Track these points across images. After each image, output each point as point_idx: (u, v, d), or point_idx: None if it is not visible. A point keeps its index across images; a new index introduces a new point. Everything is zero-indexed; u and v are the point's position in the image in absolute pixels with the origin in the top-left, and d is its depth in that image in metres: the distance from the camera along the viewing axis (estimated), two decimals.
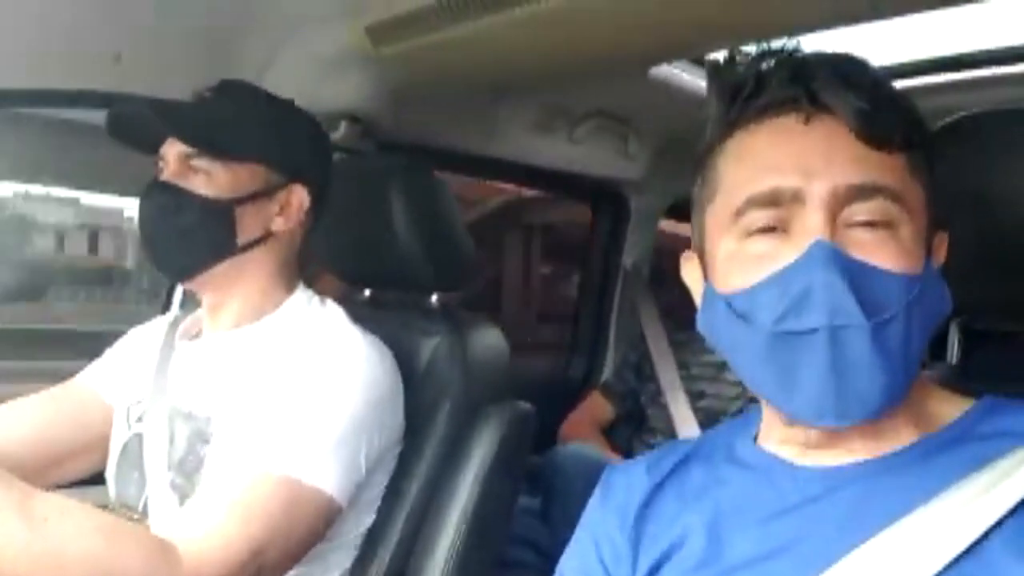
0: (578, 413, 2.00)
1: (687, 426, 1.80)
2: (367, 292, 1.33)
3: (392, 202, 1.18)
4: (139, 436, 1.04)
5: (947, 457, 0.61)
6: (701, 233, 0.67)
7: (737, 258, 0.62)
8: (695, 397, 1.85)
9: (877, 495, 0.60)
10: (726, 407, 1.80)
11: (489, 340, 1.17)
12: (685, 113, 1.82)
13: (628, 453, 1.85)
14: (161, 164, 1.05)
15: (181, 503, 0.97)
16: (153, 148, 1.05)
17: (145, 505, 1.00)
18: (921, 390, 0.65)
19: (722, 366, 1.84)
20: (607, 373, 2.20)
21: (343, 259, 1.32)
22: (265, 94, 1.11)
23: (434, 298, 1.25)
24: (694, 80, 1.73)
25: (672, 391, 1.88)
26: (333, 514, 0.94)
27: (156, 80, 1.27)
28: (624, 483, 0.73)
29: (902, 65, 1.67)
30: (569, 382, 2.23)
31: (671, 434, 1.81)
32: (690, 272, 0.69)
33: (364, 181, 1.26)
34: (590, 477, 1.53)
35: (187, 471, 0.99)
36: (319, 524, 0.93)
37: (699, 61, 1.72)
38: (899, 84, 1.64)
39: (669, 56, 1.60)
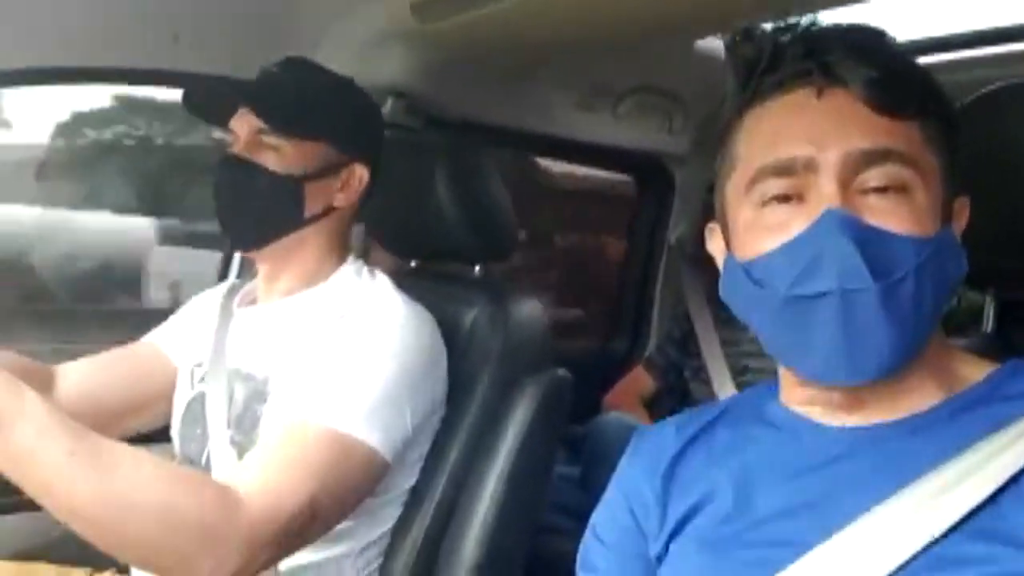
0: (621, 386, 2.02)
1: None
2: (413, 264, 1.38)
3: (436, 176, 1.22)
4: (201, 395, 1.10)
5: (970, 417, 0.62)
6: (723, 205, 0.70)
7: (754, 227, 0.64)
8: (738, 372, 1.85)
9: (900, 455, 0.62)
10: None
11: (529, 310, 1.20)
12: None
13: None
14: (230, 138, 1.09)
15: (239, 458, 1.02)
16: (222, 121, 1.11)
17: (207, 460, 1.06)
18: (945, 354, 0.67)
19: None
20: (650, 347, 2.22)
21: (391, 232, 1.36)
22: (327, 71, 1.15)
23: (477, 269, 1.28)
24: None
25: (715, 366, 1.88)
26: (380, 470, 0.98)
27: (211, 59, 1.33)
28: (654, 442, 0.76)
29: (946, 37, 1.64)
30: (612, 356, 2.25)
31: None
32: (714, 243, 0.72)
33: (410, 156, 1.29)
34: (628, 442, 1.57)
35: (245, 428, 1.04)
36: (367, 479, 0.97)
37: (779, 26, 1.70)
38: (940, 57, 1.62)
39: (716, 28, 1.59)
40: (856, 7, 1.23)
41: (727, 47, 0.69)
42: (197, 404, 1.10)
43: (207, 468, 1.04)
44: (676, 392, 2.01)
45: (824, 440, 0.66)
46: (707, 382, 1.87)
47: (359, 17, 1.34)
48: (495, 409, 1.11)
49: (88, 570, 1.17)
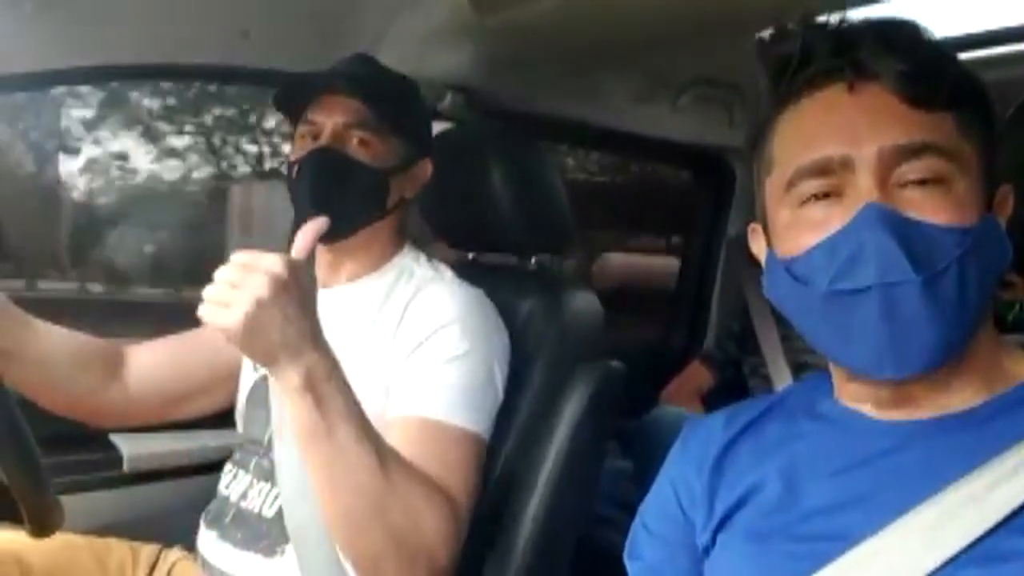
0: (679, 381, 2.01)
1: None
2: (471, 256, 1.40)
3: (493, 169, 1.23)
4: (265, 378, 1.14)
5: (1019, 414, 0.61)
6: (763, 205, 0.70)
7: (794, 225, 0.65)
8: (798, 369, 1.82)
9: (948, 450, 0.61)
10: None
11: (583, 302, 1.21)
12: None
13: None
14: (304, 129, 1.12)
15: None
16: (297, 113, 1.13)
17: (269, 440, 1.09)
18: (995, 349, 0.66)
19: None
20: (708, 342, 2.20)
21: (449, 225, 1.38)
22: (395, 72, 1.18)
23: (533, 261, 1.30)
24: None
25: (774, 362, 1.86)
26: (485, 453, 1.04)
27: (279, 55, 1.37)
28: (702, 434, 0.77)
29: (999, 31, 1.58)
30: (670, 351, 2.24)
31: None
32: (756, 242, 0.73)
33: (468, 149, 1.31)
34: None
35: None
36: (482, 465, 1.03)
37: (810, 23, 1.68)
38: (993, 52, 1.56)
39: (777, 19, 1.57)
40: (906, 1, 1.20)
41: (758, 48, 0.69)
42: (261, 386, 1.14)
43: (269, 449, 1.08)
44: (734, 388, 1.99)
45: (873, 435, 0.65)
46: (766, 378, 1.85)
47: (419, 12, 1.36)
48: (547, 400, 1.12)
49: (158, 546, 1.23)
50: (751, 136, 0.70)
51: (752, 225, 0.73)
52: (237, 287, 0.78)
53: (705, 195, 2.21)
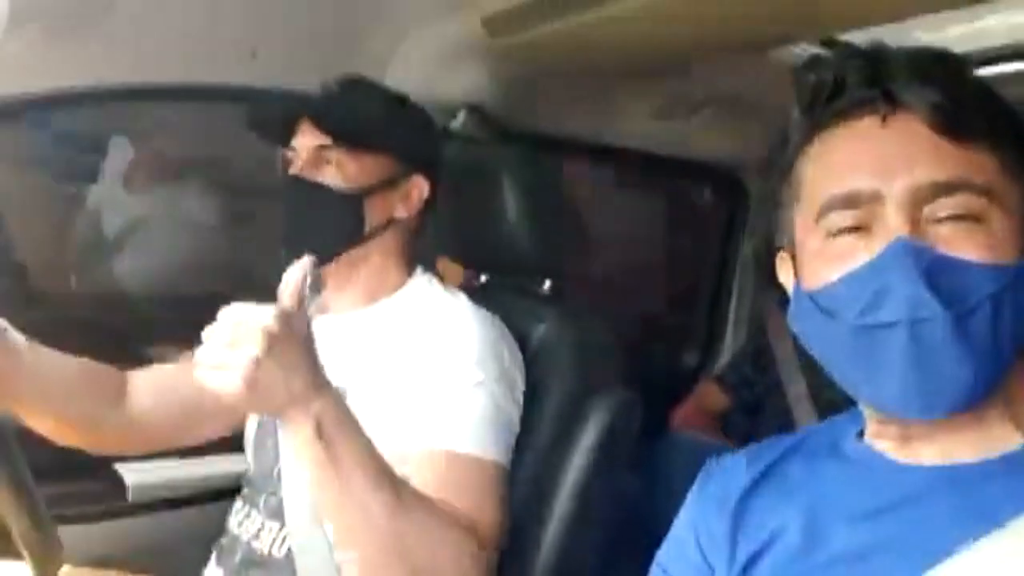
0: (692, 402, 1.98)
1: (807, 419, 1.75)
2: (483, 278, 1.37)
3: (507, 190, 1.21)
4: None
5: None
6: (791, 234, 0.68)
7: (821, 256, 0.63)
8: (816, 388, 1.79)
9: (980, 498, 0.58)
10: (849, 402, 1.73)
11: (596, 327, 1.19)
12: None
13: (745, 444, 1.81)
14: (290, 155, 1.11)
15: None
16: (285, 141, 1.12)
17: (278, 474, 1.07)
18: None
19: None
20: (722, 362, 2.16)
21: (462, 245, 1.36)
22: (383, 87, 1.17)
23: (547, 284, 1.27)
24: None
25: (792, 383, 1.83)
26: (507, 481, 1.01)
27: (288, 74, 1.35)
28: (724, 475, 0.74)
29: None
30: (683, 371, 2.21)
31: (789, 426, 1.77)
32: (784, 271, 0.71)
33: (481, 169, 1.29)
34: (698, 465, 1.54)
35: None
36: (506, 494, 1.00)
37: (824, 42, 1.66)
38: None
39: (791, 38, 1.55)
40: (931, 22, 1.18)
41: (793, 76, 0.67)
42: (269, 417, 1.12)
43: (277, 482, 1.05)
44: (749, 408, 1.96)
45: (899, 478, 0.63)
46: (783, 398, 1.82)
47: (432, 32, 1.35)
48: (562, 430, 1.09)
49: None
50: (781, 163, 0.68)
51: (781, 254, 0.71)
52: (231, 347, 0.76)
53: (720, 212, 2.18)
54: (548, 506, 1.06)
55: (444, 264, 1.41)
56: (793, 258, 0.68)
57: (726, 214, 2.17)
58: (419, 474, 0.94)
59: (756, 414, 1.92)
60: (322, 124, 1.08)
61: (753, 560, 0.67)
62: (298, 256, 1.13)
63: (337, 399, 0.84)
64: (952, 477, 0.60)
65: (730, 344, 2.19)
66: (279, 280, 0.84)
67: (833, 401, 1.83)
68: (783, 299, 2.07)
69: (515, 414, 1.03)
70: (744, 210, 2.13)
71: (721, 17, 1.29)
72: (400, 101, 1.17)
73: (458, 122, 1.49)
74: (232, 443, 1.25)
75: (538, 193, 1.25)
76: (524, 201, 1.21)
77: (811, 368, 1.82)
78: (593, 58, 1.42)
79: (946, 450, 0.62)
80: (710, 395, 1.98)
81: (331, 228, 1.09)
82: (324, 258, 1.10)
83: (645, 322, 2.40)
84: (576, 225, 1.28)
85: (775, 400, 1.85)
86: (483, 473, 0.97)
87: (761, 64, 1.60)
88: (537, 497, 1.07)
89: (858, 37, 1.72)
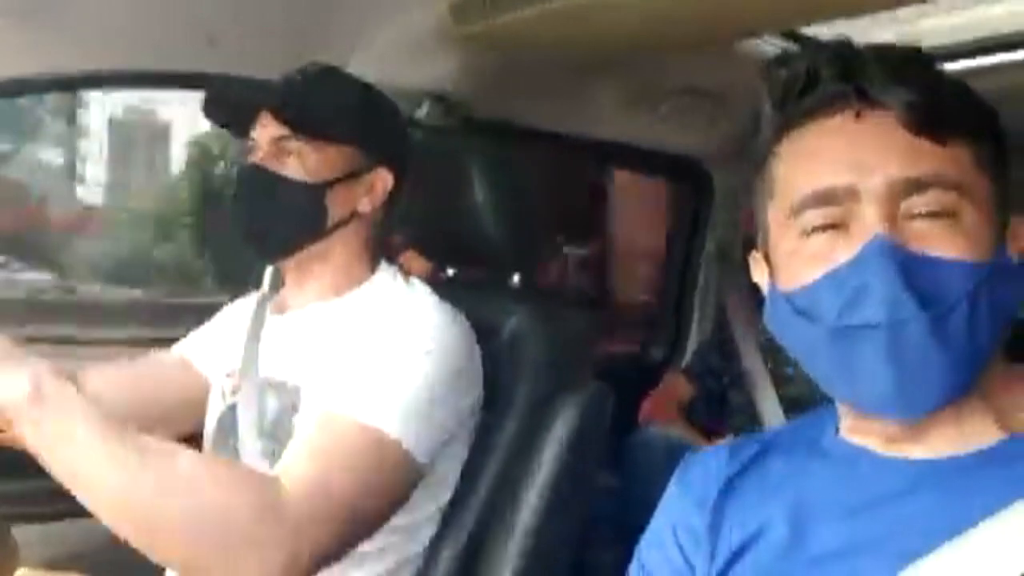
0: (659, 393, 1.98)
1: (770, 410, 1.76)
2: (451, 271, 1.35)
3: (474, 181, 1.19)
4: (233, 407, 1.08)
5: None
6: (765, 232, 0.67)
7: (797, 256, 0.62)
8: (780, 382, 1.80)
9: (965, 493, 0.58)
10: (813, 392, 1.74)
11: (568, 320, 1.17)
12: None
13: (709, 436, 1.82)
14: (251, 144, 1.08)
15: (272, 468, 1.00)
16: (245, 130, 1.09)
17: None
18: (1010, 385, 0.63)
19: None
20: (688, 354, 2.17)
21: (428, 238, 1.33)
22: (349, 77, 1.13)
23: (516, 277, 1.25)
24: None
25: (756, 375, 1.84)
26: (417, 476, 0.95)
27: (248, 62, 1.31)
28: (702, 471, 0.73)
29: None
30: (650, 362, 2.21)
31: (754, 418, 1.78)
32: (757, 271, 0.70)
33: (448, 160, 1.27)
34: (672, 459, 1.53)
35: (279, 438, 1.02)
36: (406, 483, 0.94)
37: (791, 34, 1.66)
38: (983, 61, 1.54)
39: (759, 30, 1.55)
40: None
41: (763, 71, 0.67)
42: (229, 416, 1.09)
43: None
44: (714, 399, 1.97)
45: (884, 474, 0.62)
46: (747, 390, 1.83)
47: (397, 19, 1.32)
48: (533, 424, 1.08)
49: None
50: (753, 159, 0.67)
51: (754, 254, 0.70)
52: None
53: (685, 204, 2.19)
54: (519, 500, 1.05)
55: (410, 258, 1.39)
56: (767, 257, 0.67)
57: (692, 205, 2.17)
58: (311, 434, 0.90)
59: (721, 404, 1.93)
60: (281, 115, 1.04)
61: (735, 557, 0.66)
62: (259, 249, 1.11)
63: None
64: (934, 472, 0.60)
65: (695, 337, 2.20)
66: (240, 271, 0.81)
67: (797, 394, 1.87)
68: (750, 293, 2.08)
69: (448, 420, 0.99)
70: (710, 202, 2.13)
71: (688, 7, 1.28)
72: (364, 90, 1.13)
73: (423, 111, 1.46)
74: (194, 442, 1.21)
75: (506, 184, 1.23)
76: (492, 193, 1.19)
77: (775, 360, 1.84)
78: (560, 47, 1.41)
79: (927, 445, 0.61)
80: (676, 386, 1.99)
81: (292, 221, 1.06)
82: (285, 252, 1.07)
83: (611, 315, 2.40)
84: (544, 217, 1.25)
85: (740, 390, 1.86)
86: (379, 449, 0.90)
87: (728, 56, 1.60)
88: (508, 492, 1.06)
89: (822, 31, 1.74)
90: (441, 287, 1.10)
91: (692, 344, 2.20)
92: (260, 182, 1.05)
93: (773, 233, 0.65)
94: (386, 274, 1.12)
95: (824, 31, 1.73)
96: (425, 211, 1.26)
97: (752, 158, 0.68)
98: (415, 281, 1.12)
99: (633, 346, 2.39)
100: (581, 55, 1.50)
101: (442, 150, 1.33)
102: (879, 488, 0.61)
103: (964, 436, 0.61)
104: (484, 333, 1.08)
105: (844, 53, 0.62)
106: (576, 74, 1.62)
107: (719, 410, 1.94)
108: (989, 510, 0.56)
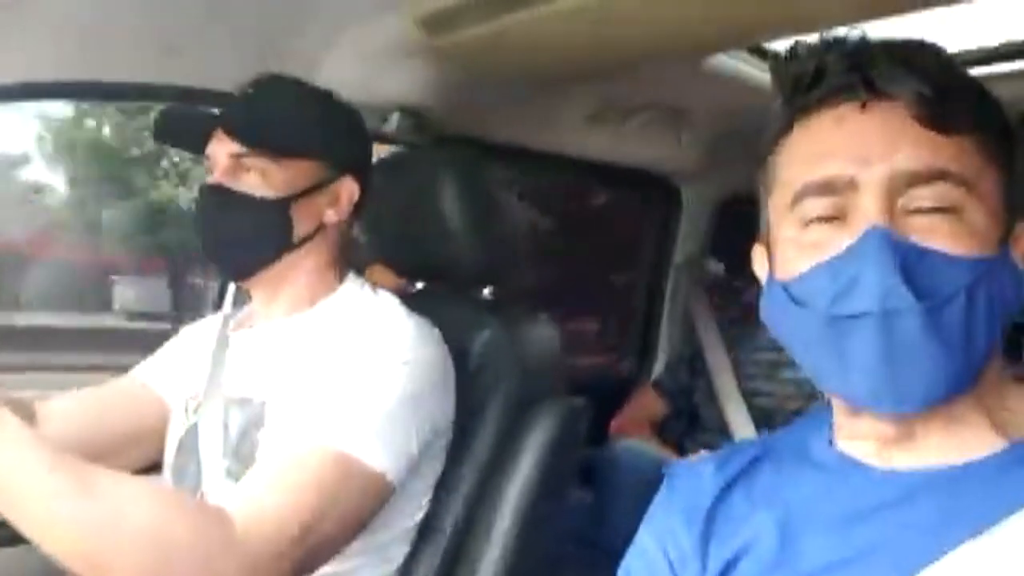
0: (630, 409, 1.97)
1: (741, 425, 1.76)
2: (419, 285, 1.33)
3: (444, 195, 1.17)
4: (195, 427, 1.05)
5: None
6: (766, 224, 0.66)
7: (795, 246, 0.61)
8: (750, 395, 1.80)
9: (960, 505, 0.57)
10: (782, 405, 1.75)
11: (542, 334, 1.16)
12: (741, 103, 1.78)
13: (681, 450, 1.81)
14: (207, 163, 1.05)
15: None
16: (199, 148, 1.06)
17: (202, 497, 1.00)
18: (1006, 390, 0.62)
19: (777, 364, 1.80)
20: (658, 369, 2.17)
21: (397, 252, 1.31)
22: (305, 87, 1.11)
23: (486, 291, 1.23)
24: (751, 70, 1.68)
25: (726, 389, 1.84)
26: (385, 494, 0.93)
27: (209, 73, 1.28)
28: (690, 482, 0.71)
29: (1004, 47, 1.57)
30: (619, 378, 2.20)
31: (724, 433, 1.77)
32: (759, 263, 0.69)
33: (417, 174, 1.25)
34: (646, 473, 1.53)
35: (243, 457, 0.99)
36: (371, 503, 0.92)
37: (756, 50, 1.68)
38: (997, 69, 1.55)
39: (726, 46, 1.56)
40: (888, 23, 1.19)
41: (772, 65, 0.66)
42: (191, 437, 1.05)
43: None
44: (685, 415, 1.96)
45: (875, 485, 0.61)
46: (718, 405, 1.82)
47: (365, 31, 1.30)
48: (507, 439, 1.06)
49: None
50: (759, 154, 0.66)
51: (757, 246, 0.69)
52: None
53: (652, 219, 2.19)
54: (494, 517, 1.02)
55: (376, 272, 1.36)
56: (767, 248, 0.66)
57: (659, 220, 2.17)
58: (270, 459, 0.88)
59: (693, 420, 1.92)
60: (236, 134, 1.01)
61: (725, 572, 0.64)
62: (226, 269, 1.08)
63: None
64: (929, 482, 0.59)
65: (664, 351, 2.20)
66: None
67: (767, 408, 1.87)
68: (718, 303, 2.08)
69: (422, 435, 0.96)
70: (677, 216, 2.14)
71: (655, 23, 1.29)
72: (323, 99, 1.10)
73: (392, 125, 1.44)
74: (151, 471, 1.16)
75: (476, 198, 1.21)
76: (462, 206, 1.18)
77: (744, 374, 1.84)
78: (529, 61, 1.40)
79: (922, 454, 0.60)
80: (647, 402, 1.98)
81: (258, 239, 1.03)
82: (253, 270, 1.05)
83: (580, 330, 2.39)
84: (514, 231, 1.24)
85: (711, 406, 1.85)
86: (343, 472, 0.88)
87: (695, 72, 1.61)
88: (483, 508, 1.04)
89: (786, 46, 1.76)
90: (410, 300, 1.08)
91: (661, 359, 2.20)
92: (221, 201, 1.02)
93: (773, 223, 0.65)
94: (353, 284, 1.09)
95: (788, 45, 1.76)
96: (393, 226, 1.24)
97: (759, 153, 0.67)
98: (382, 292, 1.09)
99: (601, 359, 2.38)
100: (550, 69, 1.50)
101: (412, 164, 1.30)
102: (871, 499, 0.60)
103: (960, 444, 0.59)
104: (455, 348, 1.06)
105: (853, 45, 0.62)
106: (545, 89, 1.61)
107: (691, 427, 1.93)
108: (986, 522, 0.55)
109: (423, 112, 1.47)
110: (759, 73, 1.70)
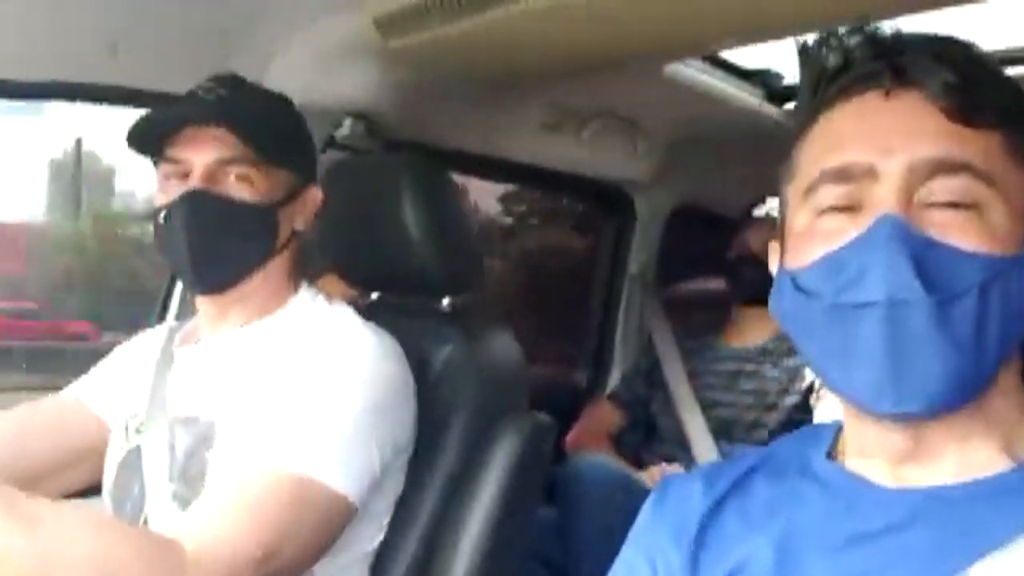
0: (586, 422, 1.94)
1: (700, 437, 1.75)
2: (374, 295, 1.28)
3: (403, 202, 1.13)
4: (137, 449, 0.98)
5: None
6: (782, 218, 0.64)
7: (807, 235, 0.59)
8: (708, 406, 1.79)
9: (972, 526, 0.54)
10: (741, 416, 1.74)
11: (505, 347, 1.12)
12: (697, 112, 1.78)
13: (638, 463, 1.79)
14: (169, 169, 0.97)
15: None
16: (155, 150, 0.99)
17: (145, 522, 0.94)
18: (1020, 406, 0.59)
19: (736, 375, 1.80)
20: (613, 380, 2.15)
21: (350, 261, 1.26)
22: (271, 92, 1.06)
23: (445, 302, 1.19)
24: (708, 79, 1.69)
25: (683, 400, 1.82)
26: (347, 515, 0.89)
27: (154, 73, 1.22)
28: (679, 497, 0.67)
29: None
30: (574, 390, 2.18)
31: (683, 444, 1.76)
32: (773, 260, 0.66)
33: (372, 180, 1.20)
34: (608, 488, 1.50)
35: (190, 480, 0.93)
36: (332, 525, 0.88)
37: (713, 59, 1.68)
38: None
39: (684, 53, 1.56)
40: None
41: (799, 54, 0.64)
42: (133, 458, 0.98)
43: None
44: (641, 427, 1.94)
45: (881, 503, 0.58)
46: (676, 416, 1.81)
47: (317, 31, 1.25)
48: (471, 457, 1.01)
49: None
50: (785, 148, 0.64)
51: (772, 243, 0.66)
52: None
53: (607, 228, 2.18)
54: (459, 538, 0.98)
55: (329, 282, 1.31)
56: (781, 240, 0.63)
57: (613, 229, 2.16)
58: (223, 484, 0.84)
59: (650, 431, 1.91)
60: (242, 134, 0.94)
61: None
62: (208, 279, 1.00)
63: None
64: (934, 503, 0.56)
65: (619, 363, 2.18)
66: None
67: (725, 418, 1.86)
68: (674, 313, 2.05)
69: (384, 452, 0.92)
70: (632, 226, 2.13)
71: (612, 31, 1.27)
72: (288, 104, 1.06)
73: (344, 130, 1.40)
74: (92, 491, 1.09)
75: (434, 206, 1.17)
76: (421, 214, 1.13)
77: (701, 384, 1.83)
78: (487, 64, 1.37)
79: (927, 471, 0.57)
80: (603, 414, 1.96)
81: (244, 246, 0.98)
82: (236, 280, 0.99)
83: (533, 341, 2.36)
84: (474, 239, 1.20)
85: (669, 417, 1.83)
86: (302, 496, 0.84)
87: (654, 80, 1.60)
88: (447, 529, 0.99)
89: (745, 53, 1.77)
90: (366, 311, 1.03)
91: (616, 371, 2.18)
92: (209, 208, 0.95)
93: (787, 213, 0.62)
94: (306, 294, 1.05)
95: (749, 53, 1.76)
96: (348, 233, 1.19)
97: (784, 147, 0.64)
98: (338, 304, 1.05)
99: (556, 370, 2.35)
100: (507, 74, 1.47)
101: (366, 170, 1.26)
102: (876, 519, 0.57)
103: (968, 463, 0.57)
104: (415, 361, 1.01)
105: (882, 35, 0.60)
106: (500, 95, 1.58)
107: (647, 437, 1.92)
108: (995, 544, 0.52)
109: (374, 117, 1.43)
110: (716, 82, 1.71)
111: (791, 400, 1.71)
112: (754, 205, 1.85)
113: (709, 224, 2.20)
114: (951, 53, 0.57)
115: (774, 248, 0.65)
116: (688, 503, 0.66)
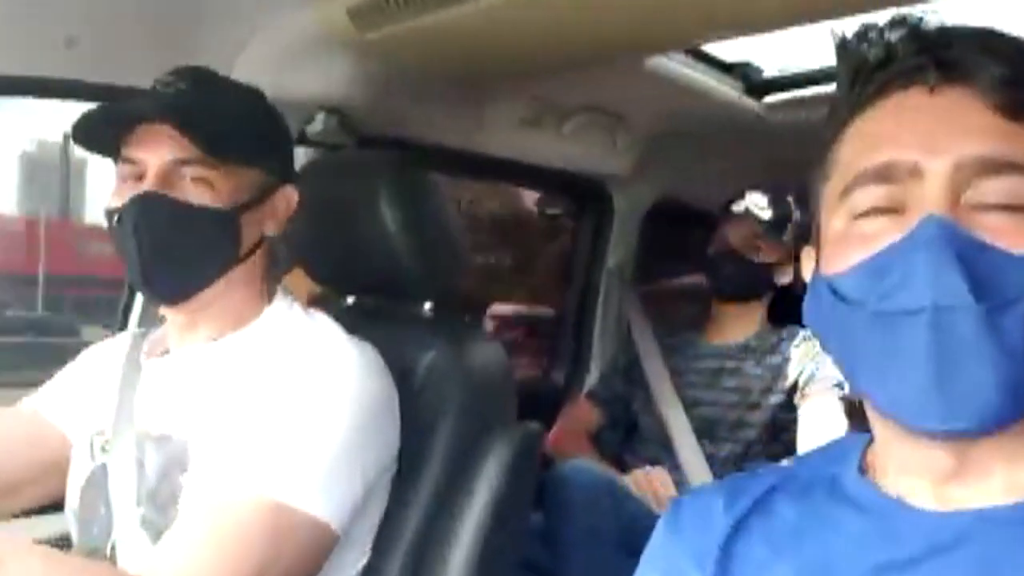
0: (566, 422, 1.90)
1: (682, 434, 1.71)
2: (350, 299, 1.22)
3: (381, 202, 1.07)
4: (103, 468, 0.92)
5: None
6: (816, 222, 0.60)
7: (845, 238, 0.55)
8: (690, 404, 1.76)
9: (1014, 555, 0.51)
10: (724, 415, 1.72)
11: (491, 353, 1.07)
12: (678, 106, 1.75)
13: (620, 464, 1.76)
14: (125, 170, 0.90)
15: (154, 542, 0.85)
16: (109, 150, 0.92)
17: (113, 547, 0.88)
18: None
19: (718, 372, 1.77)
20: (591, 378, 2.11)
21: (323, 262, 1.20)
22: (240, 85, 0.99)
23: (427, 306, 1.14)
24: (690, 72, 1.65)
25: (666, 398, 1.79)
26: (329, 544, 0.84)
27: (114, 67, 1.15)
28: (697, 516, 0.63)
29: None
30: (550, 389, 2.14)
31: (665, 443, 1.73)
32: (806, 265, 0.62)
33: (349, 178, 1.15)
34: (594, 492, 1.46)
35: (161, 504, 0.87)
36: (315, 555, 0.83)
37: (696, 52, 1.65)
38: None
39: (666, 47, 1.53)
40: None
41: (838, 51, 0.60)
42: (99, 478, 0.92)
43: (113, 558, 0.87)
44: (621, 425, 1.91)
45: (922, 526, 0.54)
46: (657, 415, 1.78)
47: (288, 22, 1.19)
48: (460, 466, 0.97)
49: None
50: (820, 146, 0.60)
51: (806, 248, 0.63)
52: None
53: (585, 224, 2.14)
54: (449, 550, 0.93)
55: (294, 277, 1.25)
56: (816, 244, 0.60)
57: (592, 226, 2.12)
58: (200, 514, 0.79)
59: (631, 430, 1.87)
60: (190, 133, 0.87)
61: None
62: (160, 291, 0.93)
63: None
64: (985, 524, 0.52)
65: (597, 360, 2.15)
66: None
67: (708, 417, 1.82)
68: (654, 310, 2.00)
69: (367, 473, 0.87)
70: (609, 221, 2.09)
71: (595, 21, 1.23)
72: (260, 99, 0.99)
73: (317, 125, 1.34)
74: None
75: (415, 205, 1.12)
76: (400, 214, 1.08)
77: (683, 383, 1.80)
78: (463, 58, 1.32)
79: (972, 492, 0.54)
80: (582, 413, 1.92)
81: (203, 255, 0.91)
82: (197, 289, 0.92)
83: (511, 338, 2.32)
84: (457, 240, 1.15)
85: (650, 415, 1.80)
86: (284, 526, 0.80)
87: (635, 74, 1.57)
88: (435, 542, 0.94)
89: (731, 47, 1.74)
90: (344, 317, 0.98)
91: (594, 369, 2.14)
92: (163, 212, 0.88)
93: (823, 216, 0.58)
94: (282, 303, 0.99)
95: (734, 46, 1.74)
96: (321, 233, 1.14)
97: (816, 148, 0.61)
98: (317, 314, 0.99)
99: (531, 369, 2.32)
100: (484, 69, 1.43)
101: (342, 167, 1.20)
102: (918, 544, 0.53)
103: (1016, 483, 0.53)
104: (396, 370, 0.96)
105: (925, 27, 0.57)
106: (478, 89, 1.54)
107: (628, 436, 1.88)
108: None
109: (348, 111, 1.37)
110: (697, 75, 1.68)
111: (775, 399, 1.68)
112: (733, 200, 1.82)
113: (689, 220, 2.18)
114: (1000, 46, 0.54)
115: (808, 253, 0.62)
116: (708, 524, 0.62)
